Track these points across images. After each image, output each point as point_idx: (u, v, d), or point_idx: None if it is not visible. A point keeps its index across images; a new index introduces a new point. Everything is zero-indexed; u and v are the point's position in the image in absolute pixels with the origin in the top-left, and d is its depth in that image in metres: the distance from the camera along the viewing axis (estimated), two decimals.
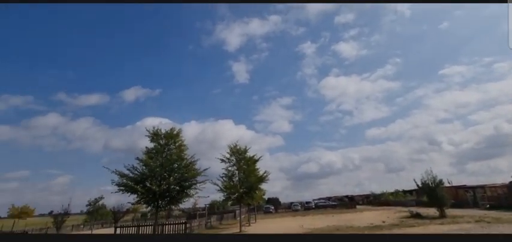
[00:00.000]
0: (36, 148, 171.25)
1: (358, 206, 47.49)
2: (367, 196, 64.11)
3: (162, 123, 17.01)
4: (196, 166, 16.87)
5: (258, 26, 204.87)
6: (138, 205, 39.52)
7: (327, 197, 73.41)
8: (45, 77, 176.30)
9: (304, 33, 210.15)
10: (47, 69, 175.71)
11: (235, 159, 22.62)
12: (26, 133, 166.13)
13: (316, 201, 58.54)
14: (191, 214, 32.38)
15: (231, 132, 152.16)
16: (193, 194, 16.43)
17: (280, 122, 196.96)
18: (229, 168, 22.40)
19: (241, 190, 19.85)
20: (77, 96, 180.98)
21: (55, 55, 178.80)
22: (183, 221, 19.70)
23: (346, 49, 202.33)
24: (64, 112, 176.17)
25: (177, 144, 17.27)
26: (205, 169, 17.12)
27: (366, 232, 14.12)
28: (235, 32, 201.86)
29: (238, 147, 23.14)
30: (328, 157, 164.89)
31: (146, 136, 16.81)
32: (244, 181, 20.96)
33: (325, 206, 49.78)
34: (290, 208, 54.23)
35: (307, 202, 55.47)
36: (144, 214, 49.77)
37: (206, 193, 19.18)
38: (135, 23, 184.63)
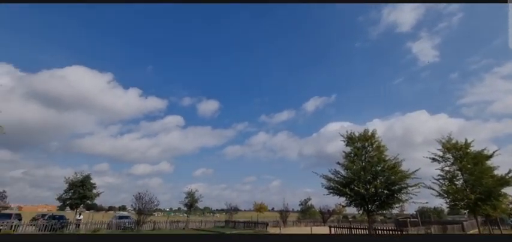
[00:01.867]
0: (257, 159, 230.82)
1: None
2: None
3: (343, 127, 17.04)
4: (402, 168, 15.33)
5: None
6: (342, 208, 41.66)
7: None
8: (252, 105, 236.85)
9: None
10: (252, 98, 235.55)
11: (453, 156, 18.05)
12: (249, 149, 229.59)
13: None
14: (399, 221, 28.99)
15: (427, 124, 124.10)
16: (405, 200, 14.87)
17: (506, 100, 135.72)
18: (446, 168, 18.22)
19: (474, 195, 15.30)
20: (273, 115, 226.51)
21: (257, 86, 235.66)
22: (394, 228, 18.16)
23: None
24: (267, 130, 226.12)
25: (374, 146, 16.58)
26: (415, 171, 15.19)
27: None
28: (407, 7, 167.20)
29: (454, 141, 18.39)
30: None
31: (341, 140, 17.50)
32: (474, 183, 16.07)
33: None
34: None
35: None
36: (345, 216, 51.52)
37: (418, 198, 16.54)
38: (300, 39, 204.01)
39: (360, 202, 14.62)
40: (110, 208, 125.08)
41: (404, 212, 41.25)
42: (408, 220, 26.23)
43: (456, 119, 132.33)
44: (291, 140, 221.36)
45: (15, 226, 20.29)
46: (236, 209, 40.25)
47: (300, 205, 47.31)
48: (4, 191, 40.37)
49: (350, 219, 48.72)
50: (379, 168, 15.48)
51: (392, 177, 14.64)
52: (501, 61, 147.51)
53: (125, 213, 35.88)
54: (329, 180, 15.65)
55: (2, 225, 19.79)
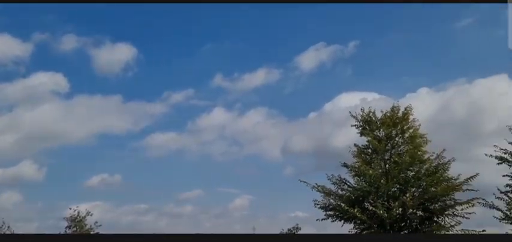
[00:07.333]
0: (207, 158, 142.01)
1: None
2: None
3: (366, 100, 10.75)
4: (449, 173, 9.87)
5: None
6: None
7: None
8: (199, 55, 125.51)
9: None
10: (200, 42, 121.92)
11: None
12: (193, 138, 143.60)
13: None
14: None
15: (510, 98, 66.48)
16: (451, 226, 9.46)
17: None
18: None
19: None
20: (238, 77, 48.49)
21: (208, 21, 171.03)
22: None
23: None
24: (228, 105, 35.90)
25: (406, 136, 10.72)
26: (469, 178, 9.60)
27: None
28: None
29: None
30: None
31: (353, 125, 11.35)
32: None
33: None
34: None
35: None
36: None
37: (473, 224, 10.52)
38: None
39: (377, 231, 9.30)
40: None
41: None
42: None
43: None
44: (270, 123, 60.57)
45: None
46: None
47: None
48: None
49: None
50: (413, 173, 10.01)
51: (433, 189, 9.47)
52: None
53: None
54: (328, 194, 10.08)
55: None
